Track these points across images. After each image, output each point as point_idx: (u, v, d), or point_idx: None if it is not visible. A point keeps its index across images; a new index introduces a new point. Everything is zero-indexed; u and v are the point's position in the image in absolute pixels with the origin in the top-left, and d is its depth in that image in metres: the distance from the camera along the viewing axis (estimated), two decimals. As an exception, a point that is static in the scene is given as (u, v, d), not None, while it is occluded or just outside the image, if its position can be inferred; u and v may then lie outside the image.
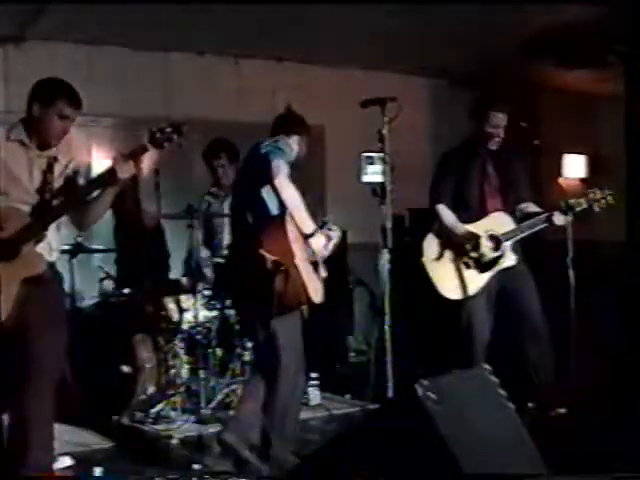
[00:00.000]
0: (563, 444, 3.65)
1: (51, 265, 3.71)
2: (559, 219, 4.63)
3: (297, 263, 3.84)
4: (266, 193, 3.88)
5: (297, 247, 3.89)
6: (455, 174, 4.89)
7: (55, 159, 3.66)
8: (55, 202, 3.62)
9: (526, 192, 4.92)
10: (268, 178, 3.80)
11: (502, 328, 4.81)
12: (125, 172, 3.51)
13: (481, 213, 4.81)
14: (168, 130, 3.50)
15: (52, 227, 3.65)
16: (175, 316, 5.25)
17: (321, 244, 4.03)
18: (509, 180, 4.87)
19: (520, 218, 4.80)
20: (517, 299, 4.77)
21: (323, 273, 4.21)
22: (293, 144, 4.12)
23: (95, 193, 3.65)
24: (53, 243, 3.69)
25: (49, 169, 3.62)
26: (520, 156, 4.99)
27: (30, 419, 3.53)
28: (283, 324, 3.97)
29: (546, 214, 4.68)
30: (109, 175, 3.53)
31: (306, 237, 3.96)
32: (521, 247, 4.85)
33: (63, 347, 3.76)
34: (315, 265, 4.10)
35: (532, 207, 4.86)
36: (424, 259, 4.82)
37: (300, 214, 3.90)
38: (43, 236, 3.57)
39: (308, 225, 3.94)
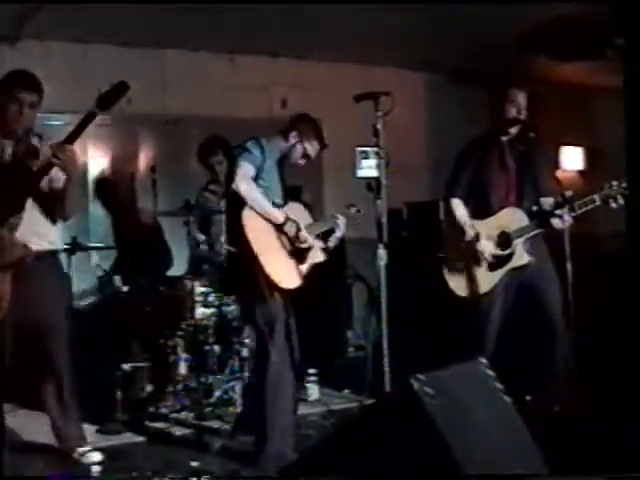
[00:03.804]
0: (560, 439, 3.64)
1: (41, 254, 3.89)
2: (558, 222, 4.48)
3: (258, 256, 3.99)
4: (232, 192, 4.08)
5: (263, 239, 4.06)
6: (473, 166, 4.75)
7: (28, 149, 3.85)
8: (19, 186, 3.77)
9: (547, 185, 4.73)
10: (232, 179, 4.06)
11: (509, 325, 4.72)
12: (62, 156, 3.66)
13: (497, 207, 4.68)
14: (115, 87, 3.70)
15: (33, 217, 3.84)
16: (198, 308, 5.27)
17: (293, 232, 4.20)
18: (529, 172, 4.70)
19: (537, 213, 4.63)
20: (536, 298, 4.63)
21: (317, 258, 4.38)
22: (278, 141, 4.30)
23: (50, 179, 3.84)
24: (28, 234, 3.82)
25: (21, 158, 3.83)
26: (541, 147, 4.80)
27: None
28: (262, 311, 4.12)
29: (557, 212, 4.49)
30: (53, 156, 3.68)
31: (279, 227, 4.15)
32: (546, 245, 4.70)
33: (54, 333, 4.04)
34: (299, 252, 4.25)
35: (551, 202, 4.63)
36: (440, 256, 4.76)
37: (263, 209, 4.10)
38: (16, 222, 3.70)
39: (275, 217, 4.14)
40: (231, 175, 4.09)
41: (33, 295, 3.92)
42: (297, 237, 4.23)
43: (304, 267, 4.30)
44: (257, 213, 4.08)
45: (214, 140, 5.68)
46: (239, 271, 4.08)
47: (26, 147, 3.91)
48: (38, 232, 3.94)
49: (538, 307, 4.63)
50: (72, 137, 3.69)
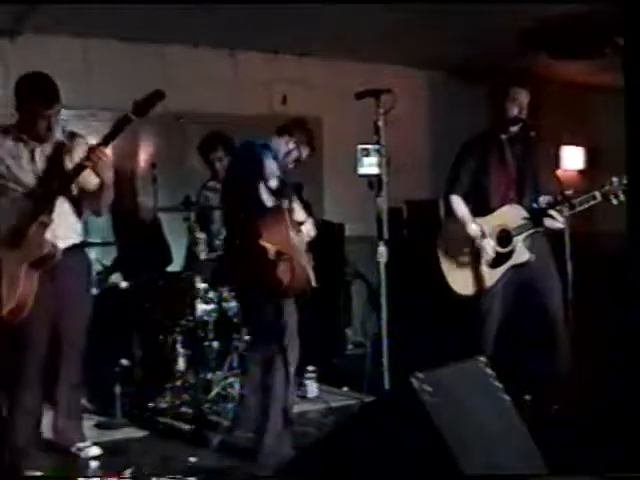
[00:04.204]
0: (560, 438, 3.64)
1: (67, 250, 3.95)
2: (550, 222, 4.50)
3: (296, 250, 4.03)
4: (262, 189, 4.04)
5: (293, 235, 4.08)
6: (473, 164, 4.74)
7: (57, 148, 3.94)
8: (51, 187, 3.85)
9: (547, 183, 4.68)
10: (262, 177, 4.03)
11: (509, 322, 4.70)
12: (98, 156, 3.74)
13: (497, 204, 4.66)
14: (149, 97, 3.76)
15: (65, 213, 3.95)
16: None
17: (309, 230, 4.34)
18: (529, 170, 4.68)
19: (538, 211, 4.60)
20: (536, 296, 4.60)
21: (311, 260, 4.42)
22: (282, 144, 4.34)
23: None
24: (62, 229, 3.93)
25: (51, 158, 3.93)
26: (542, 146, 4.76)
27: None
28: (288, 309, 4.18)
29: (557, 209, 4.49)
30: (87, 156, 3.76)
31: (299, 224, 4.24)
32: (549, 242, 4.69)
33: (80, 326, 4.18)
34: (308, 252, 4.35)
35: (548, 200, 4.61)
36: (439, 254, 4.73)
37: (293, 209, 4.18)
38: (47, 221, 3.77)
39: (299, 213, 4.27)
40: (256, 171, 4.08)
41: (65, 290, 4.02)
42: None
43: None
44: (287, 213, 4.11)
45: (215, 136, 5.67)
46: (266, 268, 3.99)
47: (55, 147, 3.98)
48: (68, 226, 4.03)
49: (538, 305, 4.62)
50: (107, 140, 3.76)
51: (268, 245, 3.96)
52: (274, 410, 4.15)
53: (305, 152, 4.43)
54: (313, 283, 4.23)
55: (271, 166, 4.09)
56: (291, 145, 4.37)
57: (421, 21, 6.20)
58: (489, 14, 5.98)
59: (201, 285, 5.27)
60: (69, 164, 3.93)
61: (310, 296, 4.33)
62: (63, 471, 3.97)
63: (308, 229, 4.41)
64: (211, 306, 5.26)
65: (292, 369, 4.20)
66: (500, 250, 4.62)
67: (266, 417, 4.15)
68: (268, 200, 4.06)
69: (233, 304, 5.25)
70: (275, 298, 4.13)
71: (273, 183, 4.08)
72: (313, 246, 4.46)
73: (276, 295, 4.11)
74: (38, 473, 3.89)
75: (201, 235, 5.49)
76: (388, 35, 6.62)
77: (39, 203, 3.79)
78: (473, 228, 4.63)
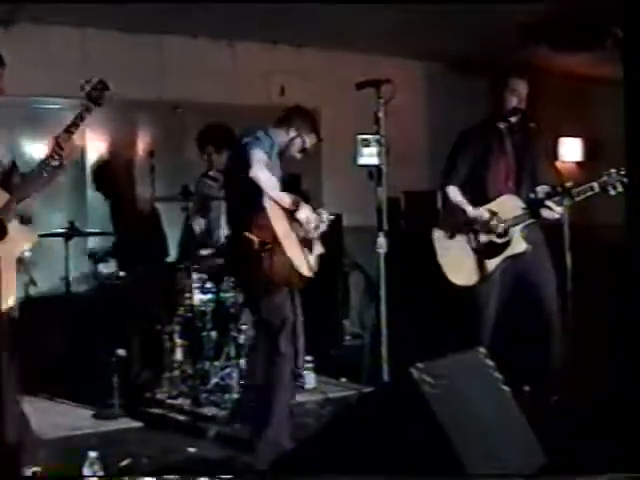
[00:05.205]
0: (559, 429, 3.65)
1: None
2: (547, 213, 4.50)
3: (281, 241, 3.99)
4: (248, 180, 3.99)
5: (280, 226, 4.05)
6: (470, 153, 4.71)
7: None
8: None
9: (545, 174, 4.68)
10: (247, 167, 3.97)
11: (506, 313, 4.70)
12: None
13: (495, 195, 4.64)
14: (99, 86, 3.62)
15: None
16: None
17: (307, 217, 4.19)
18: (527, 161, 4.68)
19: (535, 201, 4.58)
20: (531, 287, 4.60)
21: (318, 250, 4.39)
22: (278, 134, 4.28)
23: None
24: None
25: None
26: (540, 137, 4.76)
27: None
28: (274, 301, 4.14)
29: (555, 200, 4.49)
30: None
31: (291, 214, 4.14)
32: (543, 233, 4.70)
33: None
34: (307, 242, 4.28)
35: (547, 191, 4.61)
36: (435, 244, 4.71)
37: (278, 195, 4.09)
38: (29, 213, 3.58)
39: (288, 202, 4.13)
40: (242, 162, 4.02)
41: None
42: (308, 225, 4.24)
43: (312, 258, 4.31)
44: (273, 201, 4.05)
45: (211, 129, 5.65)
46: (253, 259, 3.99)
47: None
48: None
49: (533, 297, 4.62)
50: (71, 128, 3.57)
51: (252, 236, 3.96)
52: (279, 404, 4.14)
53: (310, 140, 4.39)
54: (308, 273, 4.17)
55: (260, 156, 4.00)
56: (292, 133, 4.34)
57: (420, 13, 6.19)
58: (489, 7, 5.97)
59: (199, 275, 5.26)
60: None
61: (304, 287, 4.34)
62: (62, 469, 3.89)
63: (305, 215, 4.24)
64: (208, 296, 5.26)
65: (291, 365, 4.21)
66: (497, 240, 4.62)
67: (270, 411, 4.13)
68: (253, 191, 4.00)
69: (230, 294, 5.24)
70: (263, 289, 4.12)
71: (261, 173, 3.98)
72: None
73: (262, 286, 4.10)
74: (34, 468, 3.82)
75: (201, 223, 5.49)
76: (387, 27, 6.60)
77: (21, 192, 3.53)
78: (476, 211, 4.61)
